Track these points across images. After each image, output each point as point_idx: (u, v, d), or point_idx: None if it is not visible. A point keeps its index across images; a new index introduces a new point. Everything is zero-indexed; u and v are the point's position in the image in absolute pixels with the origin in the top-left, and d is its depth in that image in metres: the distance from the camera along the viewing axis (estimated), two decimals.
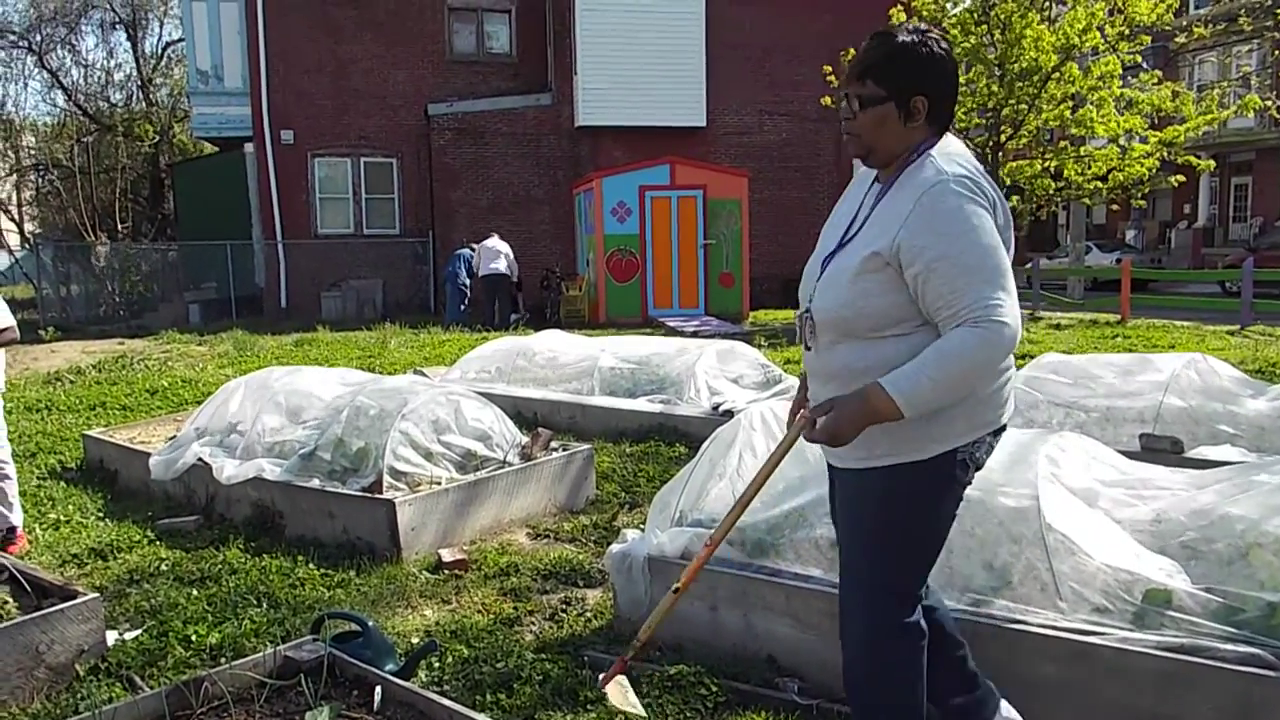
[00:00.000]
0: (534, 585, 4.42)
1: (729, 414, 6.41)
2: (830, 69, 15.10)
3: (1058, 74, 14.45)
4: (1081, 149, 15.82)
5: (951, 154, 2.30)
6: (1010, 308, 2.14)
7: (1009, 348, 2.15)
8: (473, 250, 16.73)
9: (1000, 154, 15.41)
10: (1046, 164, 15.86)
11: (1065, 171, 15.57)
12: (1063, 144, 16.08)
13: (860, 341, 2.28)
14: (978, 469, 2.37)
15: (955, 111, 2.39)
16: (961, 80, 15.21)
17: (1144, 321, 14.26)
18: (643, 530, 4.08)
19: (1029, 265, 19.50)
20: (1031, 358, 7.19)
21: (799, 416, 2.39)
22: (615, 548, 3.90)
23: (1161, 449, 4.81)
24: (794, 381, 7.47)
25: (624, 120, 18.34)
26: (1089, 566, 2.96)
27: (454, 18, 20.01)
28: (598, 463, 6.11)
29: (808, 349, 2.46)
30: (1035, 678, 2.86)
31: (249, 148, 19.91)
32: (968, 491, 3.21)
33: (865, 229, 2.34)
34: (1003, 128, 15.11)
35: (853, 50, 2.39)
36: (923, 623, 2.43)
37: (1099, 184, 15.43)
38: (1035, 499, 3.10)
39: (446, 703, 2.72)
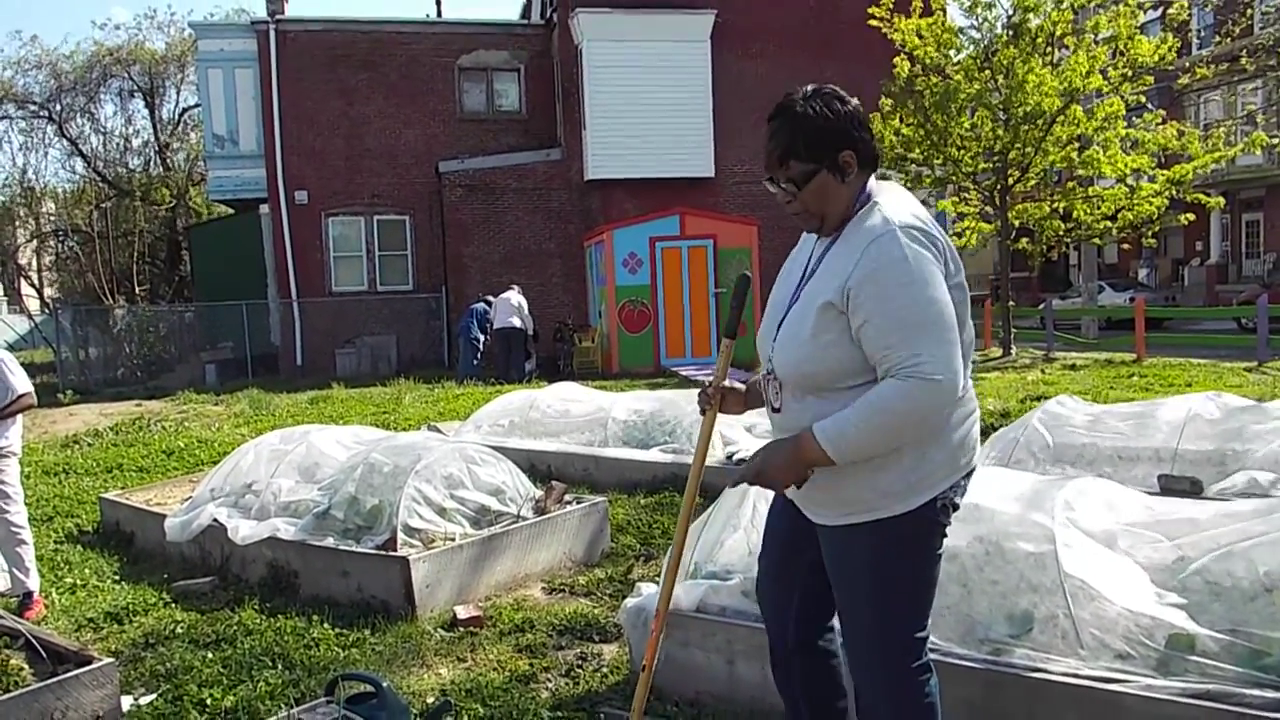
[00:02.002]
0: (550, 641, 4.38)
1: (743, 463, 6.37)
2: None
3: (1062, 117, 14.57)
4: (1090, 189, 15.91)
5: (899, 202, 2.30)
6: (943, 360, 2.12)
7: (941, 400, 2.14)
8: (487, 305, 16.84)
9: (1008, 196, 15.50)
10: (1055, 205, 15.94)
11: (1074, 212, 15.64)
12: (1071, 185, 16.17)
13: (828, 394, 2.28)
14: (955, 510, 2.37)
15: (878, 146, 2.41)
16: (966, 125, 15.35)
17: (1160, 360, 14.18)
18: (658, 583, 4.06)
19: (1041, 306, 19.46)
20: (1046, 399, 7.16)
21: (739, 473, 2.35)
22: (630, 602, 3.87)
23: (1180, 489, 4.76)
24: None
25: (633, 173, 18.52)
26: (1110, 612, 2.92)
27: (464, 77, 20.37)
28: (612, 515, 6.09)
29: (775, 410, 2.46)
30: None
31: (264, 209, 20.20)
32: (985, 540, 3.20)
33: (814, 280, 2.35)
34: (1010, 170, 15.21)
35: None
36: (930, 667, 2.42)
37: (1109, 224, 15.47)
38: (1052, 545, 3.07)
39: None
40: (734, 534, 3.87)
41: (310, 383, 16.95)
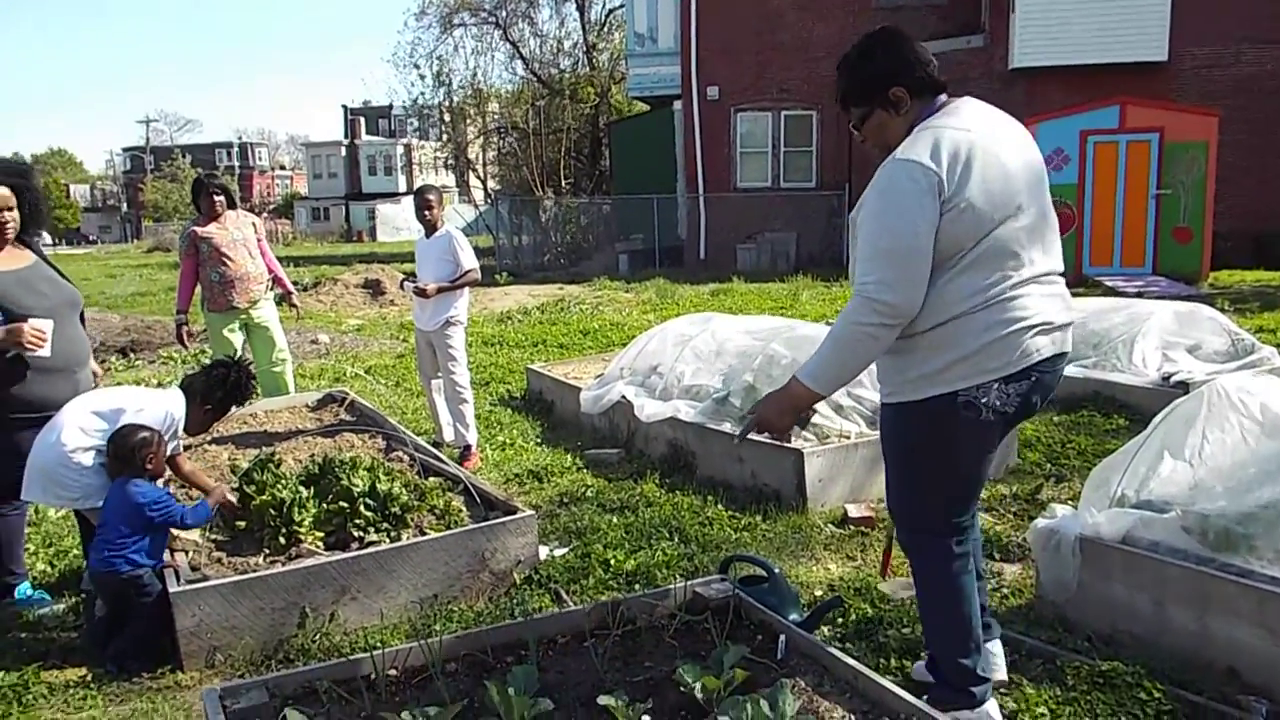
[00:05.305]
0: None
1: (1183, 386, 5.61)
2: None
3: None
4: None
5: (936, 127, 2.45)
6: (888, 283, 2.37)
7: (883, 317, 2.40)
8: None
9: None
10: None
11: None
12: None
13: None
14: (999, 413, 2.48)
15: (929, 71, 2.55)
16: None
17: None
18: (1073, 506, 3.67)
19: None
20: None
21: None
22: (1041, 523, 3.54)
23: None
24: (1270, 352, 6.37)
25: (1065, 59, 16.65)
26: None
27: None
28: (1020, 429, 5.65)
29: None
30: None
31: (677, 105, 20.85)
32: None
33: None
34: None
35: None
36: (955, 547, 2.65)
37: None
38: None
39: (851, 662, 2.61)
40: (1175, 463, 3.38)
41: (711, 276, 17.52)
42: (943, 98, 2.56)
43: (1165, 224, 14.06)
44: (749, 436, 2.88)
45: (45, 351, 3.65)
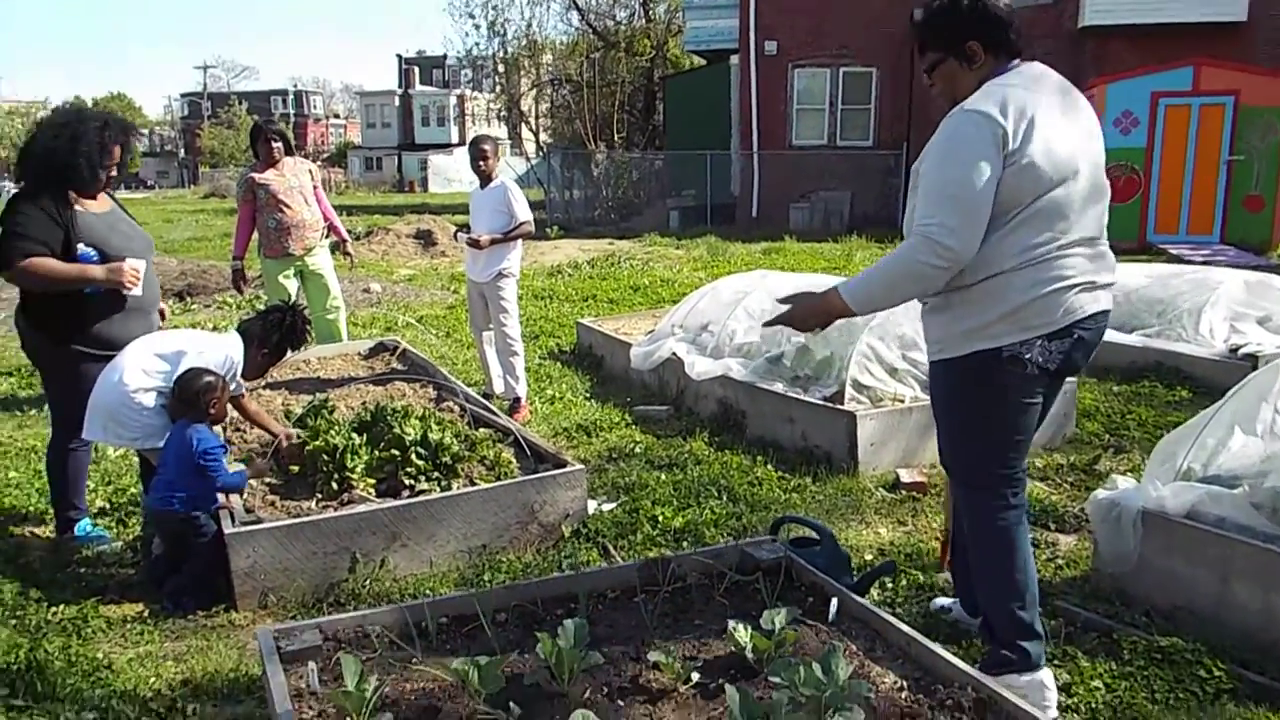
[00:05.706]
0: None
1: (1251, 359, 5.45)
2: None
3: None
4: None
5: (1005, 84, 2.49)
6: (950, 227, 2.38)
7: (939, 259, 2.40)
8: None
9: None
10: None
11: None
12: None
13: None
14: (1046, 370, 2.54)
15: (1008, 33, 2.56)
16: None
17: None
18: (1133, 478, 3.58)
19: None
20: None
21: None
22: (1101, 494, 3.46)
23: None
24: None
25: (1139, 17, 16.07)
26: None
27: None
28: (1079, 398, 5.53)
29: None
30: None
31: (734, 60, 20.51)
32: None
33: None
34: None
35: None
36: (1010, 498, 2.66)
37: None
38: None
39: (904, 628, 2.57)
40: (1246, 438, 3.28)
41: (763, 234, 17.33)
42: (1016, 62, 2.59)
43: (1236, 191, 13.60)
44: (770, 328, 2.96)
45: (139, 290, 3.79)
